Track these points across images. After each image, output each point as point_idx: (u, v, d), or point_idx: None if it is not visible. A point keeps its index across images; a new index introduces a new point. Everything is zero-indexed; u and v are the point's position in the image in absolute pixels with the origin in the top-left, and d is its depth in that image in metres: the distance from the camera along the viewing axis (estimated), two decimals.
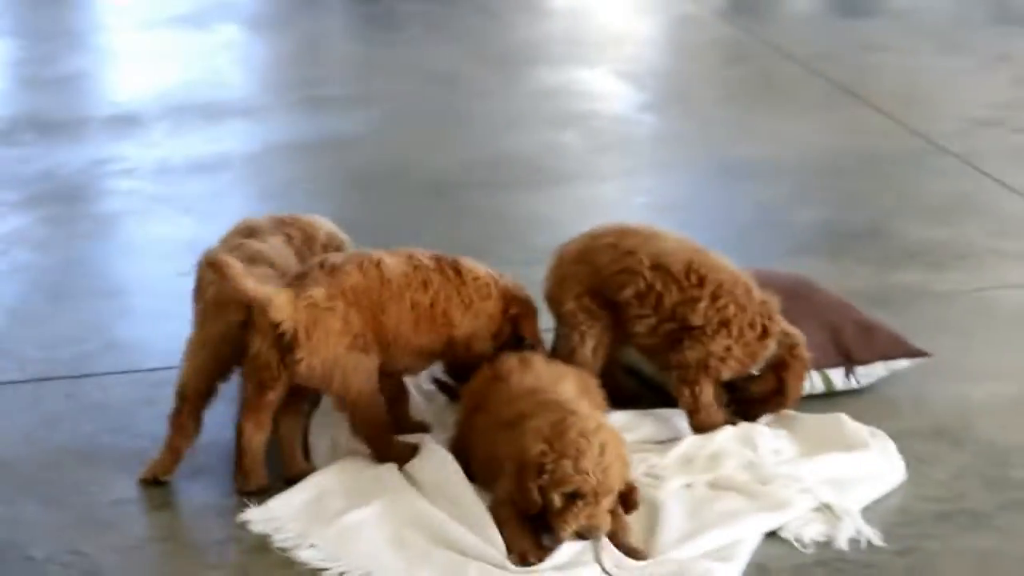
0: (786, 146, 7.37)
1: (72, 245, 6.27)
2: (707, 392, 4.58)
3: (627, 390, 4.78)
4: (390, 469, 4.37)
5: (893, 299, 5.53)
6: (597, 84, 8.54)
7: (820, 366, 4.84)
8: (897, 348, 4.95)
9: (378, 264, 4.32)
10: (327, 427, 4.59)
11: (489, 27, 9.94)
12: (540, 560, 3.92)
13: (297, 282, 4.26)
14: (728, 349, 4.53)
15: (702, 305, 4.53)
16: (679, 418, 4.64)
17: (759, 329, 4.55)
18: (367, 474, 4.35)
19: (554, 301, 4.66)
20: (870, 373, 4.92)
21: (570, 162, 7.17)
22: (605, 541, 3.97)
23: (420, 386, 4.78)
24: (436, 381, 4.78)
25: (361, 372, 4.26)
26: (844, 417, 4.64)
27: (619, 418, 4.51)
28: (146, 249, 6.17)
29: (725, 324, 4.53)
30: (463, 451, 4.35)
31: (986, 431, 4.67)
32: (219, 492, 4.35)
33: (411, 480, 4.33)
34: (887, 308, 5.26)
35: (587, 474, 3.89)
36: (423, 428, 4.60)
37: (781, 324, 4.59)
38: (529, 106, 8.08)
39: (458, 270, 4.42)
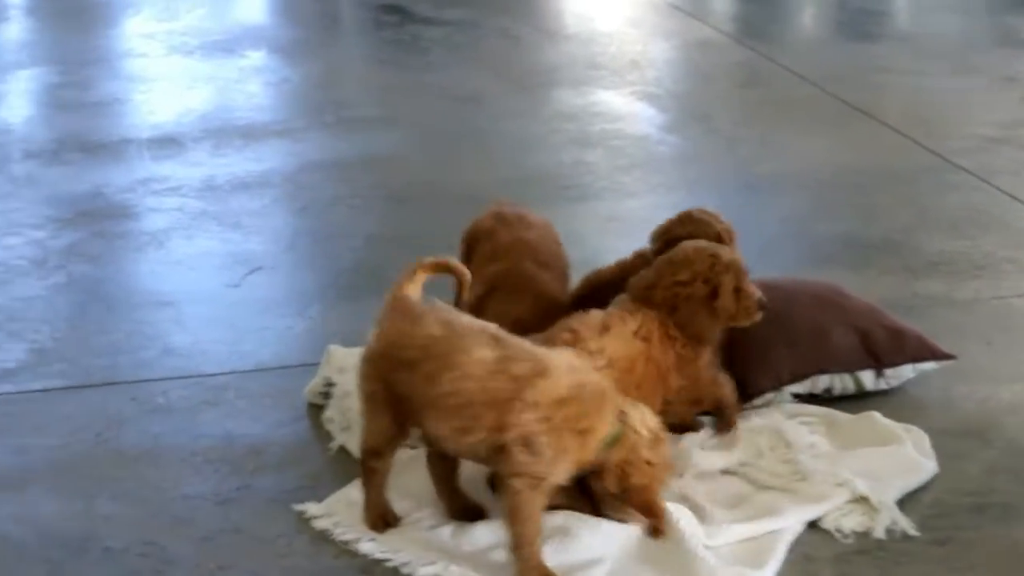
0: (806, 163, 7.48)
1: (125, 258, 6.37)
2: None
3: None
4: None
5: (916, 307, 5.64)
6: (619, 105, 8.61)
7: (851, 368, 4.95)
8: (924, 350, 5.03)
9: None
10: None
11: (511, 51, 10.00)
12: None
13: None
14: None
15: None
16: None
17: None
18: (418, 474, 4.39)
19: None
20: (899, 375, 5.01)
21: (597, 179, 7.27)
22: None
23: None
24: None
25: None
26: (877, 415, 4.74)
27: None
28: (196, 262, 6.26)
29: None
30: None
31: (1013, 430, 4.79)
32: (282, 488, 4.46)
33: None
34: (911, 315, 5.33)
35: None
36: None
37: None
38: (553, 126, 8.15)
39: None
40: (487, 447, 3.95)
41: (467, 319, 4.12)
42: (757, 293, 4.59)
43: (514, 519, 3.93)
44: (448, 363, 3.98)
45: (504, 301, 4.72)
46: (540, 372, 3.94)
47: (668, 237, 4.84)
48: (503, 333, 4.09)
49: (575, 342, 4.33)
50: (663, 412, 4.30)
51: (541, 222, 5.08)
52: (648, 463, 4.01)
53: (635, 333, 4.45)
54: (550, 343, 4.27)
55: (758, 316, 4.62)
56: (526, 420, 3.89)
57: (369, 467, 4.22)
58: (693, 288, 4.51)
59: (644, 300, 4.54)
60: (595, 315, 4.47)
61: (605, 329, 4.41)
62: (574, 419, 3.92)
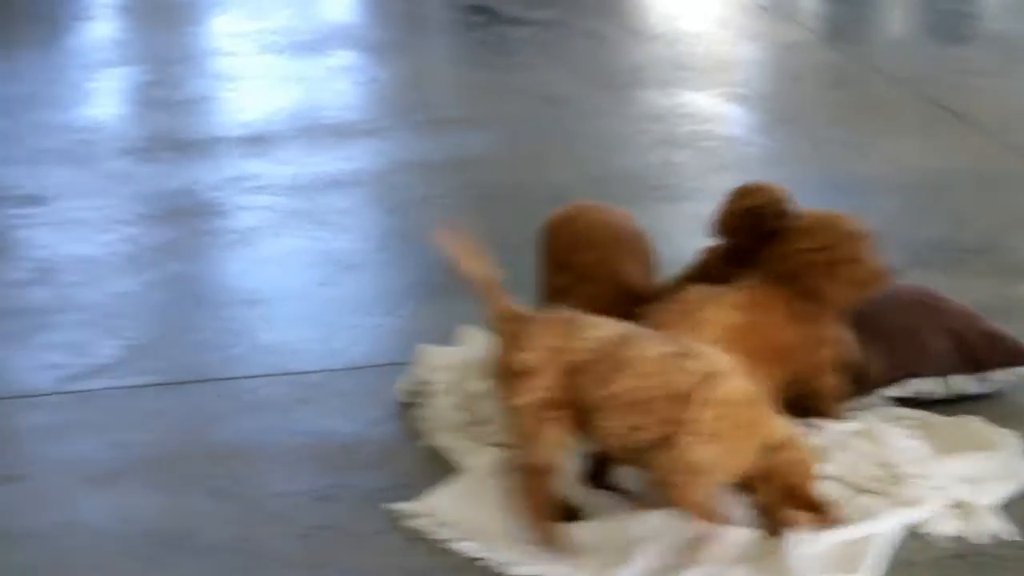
0: (895, 165, 7.42)
1: (215, 256, 6.44)
2: None
3: None
4: None
5: (1013, 311, 5.55)
6: (707, 106, 8.58)
7: (944, 371, 4.90)
8: (1020, 354, 4.98)
9: None
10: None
11: (598, 51, 9.97)
12: None
13: None
14: None
15: None
16: None
17: None
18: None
19: None
20: (995, 379, 4.96)
21: (686, 180, 7.24)
22: None
23: None
24: None
25: None
26: (974, 419, 4.70)
27: None
28: (286, 260, 6.29)
29: None
30: None
31: None
32: (378, 485, 4.47)
33: None
34: (1007, 319, 5.26)
35: None
36: None
37: None
38: (640, 127, 8.12)
39: None
40: (650, 442, 3.95)
41: (614, 322, 4.13)
42: (883, 261, 4.59)
43: (684, 505, 3.99)
44: (624, 362, 3.98)
45: (589, 290, 4.70)
46: (716, 371, 3.96)
47: (740, 212, 4.82)
48: (664, 332, 4.13)
49: (682, 313, 4.35)
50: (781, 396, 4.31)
51: (622, 212, 5.06)
52: (804, 459, 4.02)
53: (740, 304, 4.45)
54: (659, 316, 4.32)
55: (887, 284, 4.64)
56: (704, 417, 3.91)
57: (534, 487, 4.09)
58: (820, 255, 4.51)
59: (770, 274, 4.55)
60: (699, 288, 4.50)
61: (707, 300, 4.43)
62: (748, 423, 3.95)
